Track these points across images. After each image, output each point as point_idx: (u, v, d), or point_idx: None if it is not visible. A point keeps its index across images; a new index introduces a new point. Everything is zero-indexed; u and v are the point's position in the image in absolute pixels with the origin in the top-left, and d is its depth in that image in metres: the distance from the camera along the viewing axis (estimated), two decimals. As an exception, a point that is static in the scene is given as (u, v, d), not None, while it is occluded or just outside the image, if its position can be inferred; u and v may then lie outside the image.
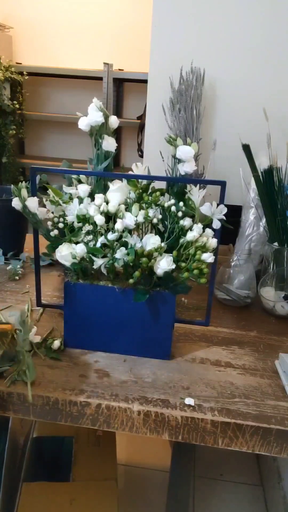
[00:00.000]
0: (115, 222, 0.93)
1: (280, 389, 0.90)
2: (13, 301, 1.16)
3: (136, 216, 0.93)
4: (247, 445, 0.82)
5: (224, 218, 0.95)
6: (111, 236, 0.89)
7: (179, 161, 0.97)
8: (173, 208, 0.92)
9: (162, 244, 0.89)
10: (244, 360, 0.99)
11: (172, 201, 0.94)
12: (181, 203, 0.95)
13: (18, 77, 3.11)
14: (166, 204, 0.94)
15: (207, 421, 0.81)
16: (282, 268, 1.22)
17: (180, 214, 0.93)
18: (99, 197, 0.94)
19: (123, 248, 0.89)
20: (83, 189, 0.97)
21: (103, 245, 0.90)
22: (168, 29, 1.60)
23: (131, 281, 0.88)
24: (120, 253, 0.89)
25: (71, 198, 0.98)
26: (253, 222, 1.35)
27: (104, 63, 2.82)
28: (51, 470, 1.41)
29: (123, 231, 0.92)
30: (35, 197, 0.96)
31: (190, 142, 0.96)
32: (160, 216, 0.95)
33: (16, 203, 0.96)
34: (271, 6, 1.52)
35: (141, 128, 2.79)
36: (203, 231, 0.94)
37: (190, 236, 0.90)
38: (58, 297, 1.19)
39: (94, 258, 0.89)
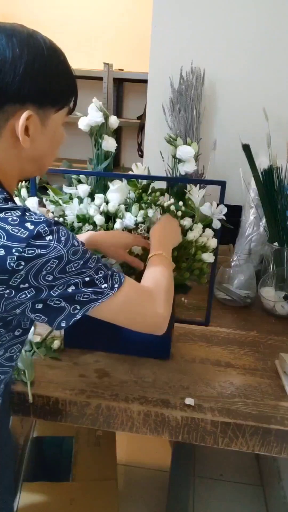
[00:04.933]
0: (115, 222, 0.93)
1: (280, 389, 0.90)
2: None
3: (136, 216, 0.93)
4: (247, 445, 0.82)
5: (224, 218, 0.95)
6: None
7: (179, 161, 0.97)
8: (172, 208, 0.92)
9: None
10: (244, 360, 0.99)
11: (172, 200, 0.94)
12: (180, 203, 0.95)
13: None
14: (166, 204, 0.94)
15: (207, 421, 0.81)
16: (282, 268, 1.22)
17: (179, 213, 0.93)
18: (99, 197, 0.94)
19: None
20: (83, 189, 0.97)
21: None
22: (168, 29, 1.60)
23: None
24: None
25: (71, 198, 0.98)
26: (253, 222, 1.34)
27: (104, 63, 2.82)
28: (51, 470, 1.40)
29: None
30: (35, 197, 0.96)
31: (190, 142, 0.96)
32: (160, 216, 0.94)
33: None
34: (271, 6, 1.52)
35: (141, 128, 2.79)
36: (203, 231, 0.94)
37: (190, 236, 0.90)
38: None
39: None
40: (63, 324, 0.65)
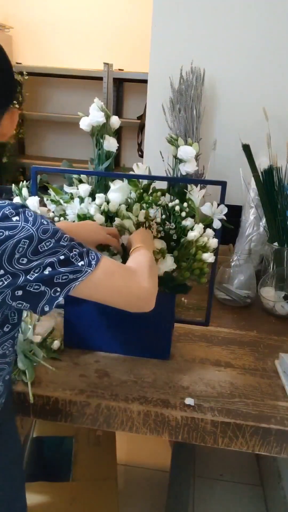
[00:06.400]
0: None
1: (280, 389, 0.90)
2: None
3: (137, 216, 0.93)
4: (247, 445, 0.82)
5: (225, 218, 0.95)
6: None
7: (180, 161, 0.97)
8: (177, 208, 0.92)
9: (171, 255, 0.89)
10: (244, 360, 0.99)
11: (177, 201, 0.94)
12: (185, 204, 0.95)
13: (18, 77, 3.10)
14: (170, 204, 0.94)
15: (207, 421, 0.81)
16: (282, 268, 1.22)
17: (183, 214, 0.93)
18: (100, 197, 0.94)
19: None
20: (84, 188, 0.97)
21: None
22: (168, 29, 1.60)
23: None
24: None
25: (72, 198, 0.98)
26: (253, 222, 1.35)
27: (104, 63, 2.82)
28: (51, 470, 1.40)
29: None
30: (36, 197, 0.96)
31: (191, 142, 0.96)
32: (163, 216, 0.94)
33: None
34: (271, 6, 1.52)
35: (141, 128, 2.79)
36: (204, 231, 0.94)
37: (191, 235, 0.90)
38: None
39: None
40: (47, 309, 0.65)
